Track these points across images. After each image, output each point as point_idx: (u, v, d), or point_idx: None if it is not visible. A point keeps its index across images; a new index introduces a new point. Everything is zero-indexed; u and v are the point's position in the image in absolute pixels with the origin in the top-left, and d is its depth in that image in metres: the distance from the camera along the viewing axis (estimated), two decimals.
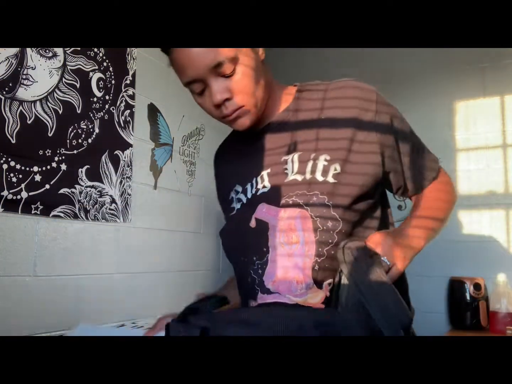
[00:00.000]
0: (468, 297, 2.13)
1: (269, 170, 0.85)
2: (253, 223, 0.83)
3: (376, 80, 2.85)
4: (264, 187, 0.85)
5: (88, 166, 1.56)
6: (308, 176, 0.81)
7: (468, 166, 2.37)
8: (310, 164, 0.82)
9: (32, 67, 1.38)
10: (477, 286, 2.13)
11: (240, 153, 0.94)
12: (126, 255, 1.73)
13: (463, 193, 2.37)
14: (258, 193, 0.85)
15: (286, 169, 0.84)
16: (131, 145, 1.76)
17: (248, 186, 0.88)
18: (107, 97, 1.65)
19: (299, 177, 0.82)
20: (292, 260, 0.78)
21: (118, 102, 1.71)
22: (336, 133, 0.83)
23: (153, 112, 1.91)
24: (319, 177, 0.80)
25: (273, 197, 0.83)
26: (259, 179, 0.86)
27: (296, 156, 0.84)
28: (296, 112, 0.88)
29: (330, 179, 0.80)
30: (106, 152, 1.64)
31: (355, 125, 0.83)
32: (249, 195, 0.87)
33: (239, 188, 0.90)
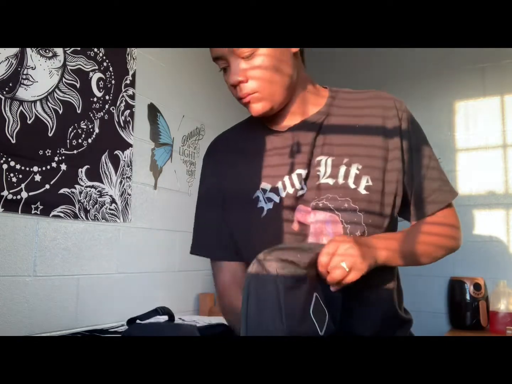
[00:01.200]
0: (468, 297, 2.13)
1: (302, 171, 0.83)
2: (295, 226, 0.82)
3: (376, 80, 2.85)
4: (301, 188, 0.82)
5: (88, 166, 1.56)
6: (340, 181, 0.81)
7: (468, 166, 2.37)
8: (343, 169, 0.82)
9: (32, 67, 1.38)
10: (477, 286, 2.14)
11: (263, 150, 0.88)
12: (126, 255, 1.73)
13: (463, 193, 2.37)
14: (295, 194, 0.83)
15: (319, 171, 0.83)
16: (131, 145, 1.76)
17: (280, 185, 0.84)
18: (107, 97, 1.65)
19: (330, 181, 0.82)
20: None
21: (118, 102, 1.71)
22: (367, 141, 0.84)
23: (153, 112, 1.91)
24: (351, 184, 0.81)
25: (307, 198, 0.82)
26: (291, 178, 0.84)
27: (330, 160, 0.83)
28: (329, 116, 0.87)
29: (362, 190, 0.81)
30: (106, 152, 1.64)
31: (383, 134, 0.85)
32: (282, 195, 0.83)
33: (267, 187, 0.85)
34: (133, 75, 1.79)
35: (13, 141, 1.31)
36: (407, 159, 0.86)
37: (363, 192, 0.80)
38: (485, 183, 2.32)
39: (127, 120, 1.75)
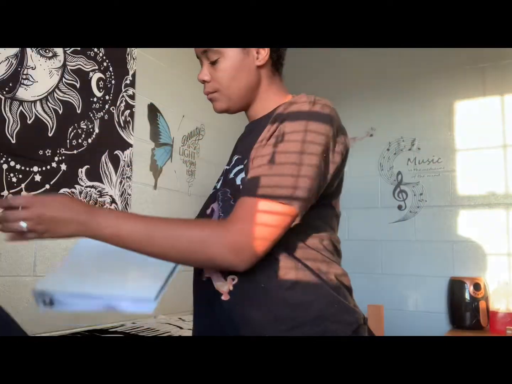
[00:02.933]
0: (468, 297, 2.13)
1: (227, 167, 0.95)
2: (208, 211, 0.92)
3: (376, 80, 2.85)
4: (220, 179, 0.95)
5: (88, 166, 1.56)
6: (230, 176, 0.89)
7: (468, 166, 2.37)
8: (237, 168, 0.89)
9: (32, 67, 1.38)
10: (477, 286, 2.14)
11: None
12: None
13: (463, 193, 2.37)
14: (218, 185, 0.94)
15: (229, 167, 0.92)
16: (131, 145, 1.76)
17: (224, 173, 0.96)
18: (107, 97, 1.65)
19: (230, 175, 0.90)
20: None
21: (118, 102, 1.71)
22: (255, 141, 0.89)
23: (153, 112, 1.91)
24: (237, 180, 0.86)
25: (217, 190, 0.92)
26: (225, 170, 0.96)
27: (235, 157, 0.92)
28: (263, 121, 0.91)
29: (238, 181, 0.86)
30: (106, 152, 1.64)
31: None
32: (218, 184, 0.95)
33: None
34: (133, 75, 1.79)
35: (13, 141, 1.31)
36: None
37: (238, 183, 0.85)
38: (485, 183, 2.32)
39: (127, 120, 1.75)
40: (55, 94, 1.45)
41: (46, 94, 1.42)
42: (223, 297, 0.80)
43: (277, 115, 0.83)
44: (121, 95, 1.72)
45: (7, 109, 1.30)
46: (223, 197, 0.88)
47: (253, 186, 0.76)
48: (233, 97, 0.93)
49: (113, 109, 1.68)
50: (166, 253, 0.77)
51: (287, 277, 0.78)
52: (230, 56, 0.88)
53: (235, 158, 0.92)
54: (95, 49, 1.61)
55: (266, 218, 0.73)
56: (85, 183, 1.54)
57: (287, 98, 0.93)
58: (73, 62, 1.52)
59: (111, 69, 1.68)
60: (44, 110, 1.41)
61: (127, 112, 1.75)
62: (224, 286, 0.80)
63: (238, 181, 0.85)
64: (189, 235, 0.75)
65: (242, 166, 0.87)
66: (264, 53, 0.88)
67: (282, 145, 0.77)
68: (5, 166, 1.29)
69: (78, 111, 1.53)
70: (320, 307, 0.78)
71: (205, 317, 0.86)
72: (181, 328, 1.55)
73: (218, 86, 0.91)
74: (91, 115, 1.58)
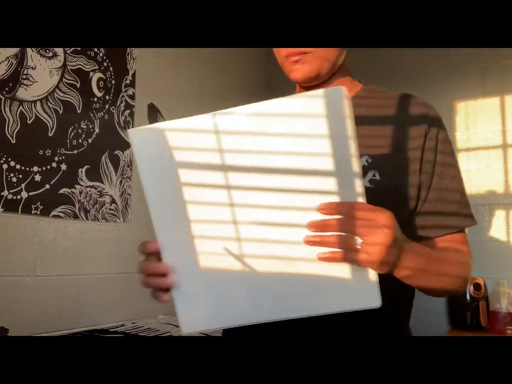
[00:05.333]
0: (468, 297, 2.13)
1: None
2: None
3: (376, 80, 2.84)
4: None
5: (88, 166, 1.56)
6: None
7: (468, 166, 2.37)
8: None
9: (32, 67, 1.38)
10: (477, 286, 2.13)
11: None
12: (126, 255, 1.73)
13: None
14: None
15: None
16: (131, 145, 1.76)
17: None
18: (107, 97, 1.65)
19: None
20: None
21: (118, 102, 1.71)
22: (379, 131, 0.81)
23: (153, 112, 1.91)
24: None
25: None
26: None
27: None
28: (362, 106, 0.83)
29: (365, 182, 0.76)
30: (106, 152, 1.64)
31: (401, 122, 0.82)
32: None
33: None
34: (133, 75, 1.79)
35: (13, 141, 1.31)
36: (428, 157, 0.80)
37: (367, 185, 0.75)
38: (485, 183, 2.32)
39: (127, 120, 1.75)
40: (55, 94, 1.45)
41: (46, 94, 1.42)
42: None
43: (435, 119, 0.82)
44: (121, 95, 1.72)
45: (7, 109, 1.30)
46: None
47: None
48: (326, 61, 0.79)
49: (113, 109, 1.68)
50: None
51: None
52: None
53: None
54: (95, 49, 1.61)
55: None
56: (85, 183, 1.54)
57: (356, 84, 0.87)
58: (73, 62, 1.52)
59: (111, 69, 1.68)
60: (44, 110, 1.41)
61: (127, 112, 1.75)
62: None
63: (365, 183, 0.75)
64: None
65: (366, 163, 0.77)
66: None
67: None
68: (5, 166, 1.29)
69: (78, 111, 1.53)
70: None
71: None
72: None
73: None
74: (91, 115, 1.58)
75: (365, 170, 0.76)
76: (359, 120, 0.81)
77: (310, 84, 0.83)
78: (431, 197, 0.80)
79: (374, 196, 0.70)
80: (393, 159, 0.78)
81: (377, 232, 0.54)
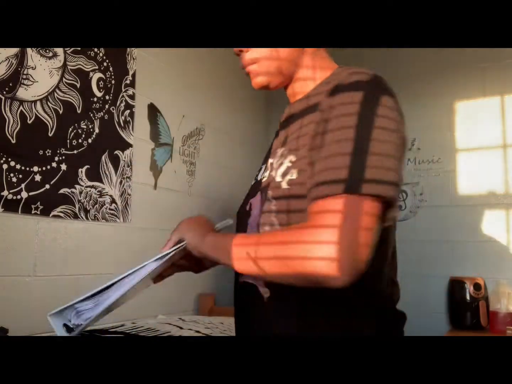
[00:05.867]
0: (468, 297, 2.13)
1: (271, 160, 0.84)
2: (247, 207, 0.86)
3: None
4: (263, 175, 0.86)
5: (88, 166, 1.56)
6: (273, 173, 0.79)
7: (468, 166, 2.37)
8: (279, 161, 0.79)
9: (32, 67, 1.38)
10: (477, 286, 2.14)
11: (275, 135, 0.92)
12: (126, 255, 1.73)
13: (463, 193, 2.37)
14: (257, 179, 0.88)
15: (272, 162, 0.83)
16: (131, 145, 1.76)
17: (262, 168, 0.90)
18: (107, 97, 1.65)
19: (273, 173, 0.79)
20: None
21: (118, 102, 1.71)
22: (304, 130, 0.77)
23: (153, 112, 1.91)
24: (278, 177, 0.77)
25: (262, 185, 0.83)
26: (266, 165, 0.87)
27: (280, 150, 0.81)
28: (304, 105, 0.81)
29: (284, 184, 0.75)
30: (106, 152, 1.64)
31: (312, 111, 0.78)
32: (257, 178, 0.89)
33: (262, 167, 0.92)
34: (133, 75, 1.79)
35: (13, 141, 1.31)
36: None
37: (285, 186, 0.74)
38: (485, 183, 2.32)
39: (127, 120, 1.75)
40: (55, 94, 1.45)
41: (46, 94, 1.42)
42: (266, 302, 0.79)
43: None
44: (121, 95, 1.72)
45: (7, 109, 1.30)
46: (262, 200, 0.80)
47: None
48: (274, 67, 0.82)
49: (113, 109, 1.68)
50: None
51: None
52: None
53: (280, 150, 0.80)
54: (95, 49, 1.61)
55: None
56: (85, 183, 1.54)
57: (329, 71, 0.82)
58: (73, 62, 1.52)
59: (111, 69, 1.68)
60: (44, 110, 1.41)
61: (127, 112, 1.75)
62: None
63: (284, 185, 0.76)
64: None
65: (289, 164, 0.77)
66: None
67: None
68: (5, 166, 1.29)
69: (78, 111, 1.53)
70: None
71: (246, 320, 0.85)
72: (181, 328, 1.55)
73: (256, 56, 0.82)
74: (91, 115, 1.58)
75: (287, 170, 0.75)
76: (292, 120, 0.82)
77: (271, 88, 0.86)
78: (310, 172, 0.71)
79: (289, 197, 0.73)
80: (309, 155, 0.72)
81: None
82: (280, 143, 0.84)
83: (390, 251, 0.79)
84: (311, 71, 0.84)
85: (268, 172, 0.83)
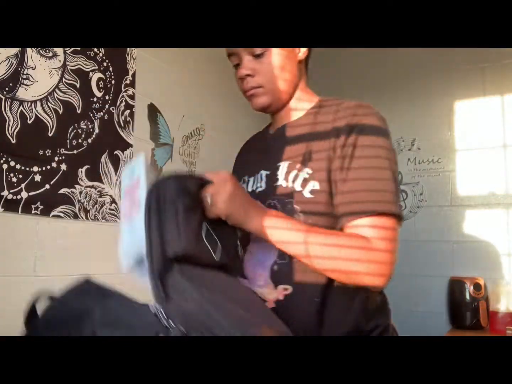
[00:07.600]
0: (468, 297, 2.13)
1: (265, 172, 0.91)
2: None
3: (376, 80, 2.84)
4: (260, 186, 0.91)
5: (88, 166, 1.56)
6: (290, 184, 0.85)
7: (468, 166, 2.37)
8: (293, 173, 0.86)
9: (32, 67, 1.38)
10: (477, 286, 2.13)
11: (256, 147, 1.02)
12: None
13: (463, 193, 2.37)
14: (256, 190, 0.91)
15: (277, 174, 0.88)
16: (131, 145, 1.76)
17: (251, 180, 0.94)
18: (107, 97, 1.65)
19: (284, 184, 0.86)
20: (261, 255, 0.84)
21: (118, 102, 1.71)
22: (319, 146, 0.85)
23: (153, 112, 1.91)
24: (297, 187, 0.84)
25: (263, 196, 0.88)
26: (257, 176, 0.93)
27: (287, 163, 0.88)
28: (308, 124, 0.90)
29: (306, 193, 0.83)
30: (106, 152, 1.64)
31: (333, 135, 0.85)
32: (249, 188, 0.93)
33: (246, 179, 0.96)
34: (133, 75, 1.79)
35: (13, 141, 1.31)
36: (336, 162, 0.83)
37: (307, 195, 0.82)
38: (485, 183, 2.32)
39: (127, 120, 1.75)
40: (55, 94, 1.45)
41: (46, 94, 1.42)
42: (266, 304, 0.80)
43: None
44: (121, 95, 1.72)
45: (7, 109, 1.30)
46: (283, 208, 0.83)
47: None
48: (277, 92, 0.88)
49: (113, 109, 1.68)
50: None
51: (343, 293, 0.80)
52: (277, 48, 0.84)
53: (286, 163, 0.87)
54: (95, 49, 1.61)
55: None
56: (85, 183, 1.54)
57: (316, 98, 0.94)
58: (73, 62, 1.52)
59: (111, 69, 1.68)
60: (44, 110, 1.41)
61: (127, 112, 1.75)
62: (272, 294, 0.81)
63: (306, 194, 0.82)
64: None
65: (307, 175, 0.83)
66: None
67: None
68: (5, 166, 1.29)
69: (78, 111, 1.53)
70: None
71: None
72: None
73: (263, 81, 0.87)
74: (91, 115, 1.58)
75: (306, 181, 0.83)
76: (303, 137, 0.89)
77: (268, 111, 0.94)
78: (338, 200, 0.82)
79: (314, 204, 0.82)
80: (326, 170, 0.83)
81: (216, 187, 0.74)
82: (281, 157, 0.90)
83: None
84: (301, 102, 0.94)
85: (268, 182, 0.89)
